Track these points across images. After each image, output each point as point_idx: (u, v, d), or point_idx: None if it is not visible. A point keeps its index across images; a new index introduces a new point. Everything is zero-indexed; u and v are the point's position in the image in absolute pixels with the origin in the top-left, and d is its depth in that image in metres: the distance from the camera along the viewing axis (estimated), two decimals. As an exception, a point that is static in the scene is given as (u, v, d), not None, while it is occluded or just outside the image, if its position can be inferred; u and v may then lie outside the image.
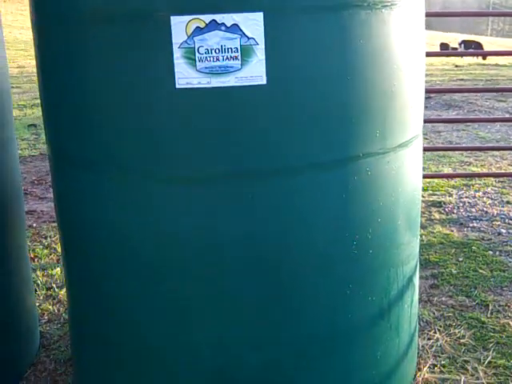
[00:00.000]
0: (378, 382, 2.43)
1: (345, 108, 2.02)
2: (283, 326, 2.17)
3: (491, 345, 2.98)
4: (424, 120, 2.60)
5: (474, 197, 5.45)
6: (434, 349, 2.96)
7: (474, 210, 5.10)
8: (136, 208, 2.11)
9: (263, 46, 1.88)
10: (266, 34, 1.87)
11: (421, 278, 3.75)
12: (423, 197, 5.47)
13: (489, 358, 2.86)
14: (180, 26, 1.87)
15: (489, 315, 3.26)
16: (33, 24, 2.31)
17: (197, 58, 1.88)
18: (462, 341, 3.01)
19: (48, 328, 3.37)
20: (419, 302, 3.41)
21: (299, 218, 2.06)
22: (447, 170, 6.45)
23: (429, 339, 3.04)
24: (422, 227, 4.65)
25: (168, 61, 1.90)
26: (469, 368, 2.79)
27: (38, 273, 4.04)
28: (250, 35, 1.87)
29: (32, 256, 4.42)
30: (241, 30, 1.87)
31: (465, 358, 2.87)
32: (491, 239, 4.37)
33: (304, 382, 2.26)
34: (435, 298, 3.47)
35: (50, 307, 3.57)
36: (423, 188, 5.72)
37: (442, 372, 2.77)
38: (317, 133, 1.99)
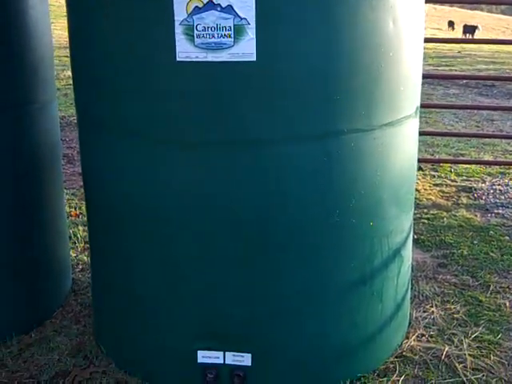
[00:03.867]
0: (358, 343, 2.63)
1: (329, 85, 2.21)
2: (264, 285, 2.40)
3: (482, 321, 3.12)
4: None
5: (507, 185, 5.50)
6: (426, 321, 3.12)
7: (503, 197, 5.16)
8: (140, 166, 2.36)
9: (254, 26, 2.08)
10: (258, 15, 2.07)
11: (431, 257, 3.90)
12: (455, 181, 5.57)
13: (476, 333, 3.00)
14: (181, 5, 2.10)
15: (488, 295, 3.39)
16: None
17: (195, 35, 2.11)
18: (455, 316, 3.17)
19: (80, 276, 3.69)
20: (424, 279, 3.58)
21: (283, 183, 2.27)
22: (488, 158, 6.49)
23: (424, 312, 3.21)
24: (447, 210, 4.77)
25: (170, 36, 2.12)
26: (455, 340, 2.95)
27: (80, 227, 4.36)
28: (242, 16, 2.08)
29: (78, 212, 4.76)
30: (234, 11, 2.08)
31: (453, 331, 3.02)
32: (511, 225, 4.46)
33: (280, 338, 2.49)
34: (440, 276, 3.62)
35: (85, 258, 3.89)
36: (458, 173, 5.80)
37: (428, 341, 2.94)
38: (301, 107, 2.19)
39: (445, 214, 4.68)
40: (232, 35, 2.09)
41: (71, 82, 2.72)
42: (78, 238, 4.19)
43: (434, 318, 3.14)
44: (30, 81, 2.83)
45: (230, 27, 2.09)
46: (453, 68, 15.08)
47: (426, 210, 4.75)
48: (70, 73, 2.66)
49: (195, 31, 2.11)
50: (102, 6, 2.29)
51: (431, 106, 8.27)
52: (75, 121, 7.09)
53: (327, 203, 2.35)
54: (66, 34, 2.61)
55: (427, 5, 3.23)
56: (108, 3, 2.27)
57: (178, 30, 2.12)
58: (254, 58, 2.11)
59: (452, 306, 3.25)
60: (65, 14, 2.57)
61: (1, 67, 2.68)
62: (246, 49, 2.11)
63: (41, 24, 2.85)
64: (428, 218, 4.58)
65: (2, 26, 2.65)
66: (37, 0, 2.81)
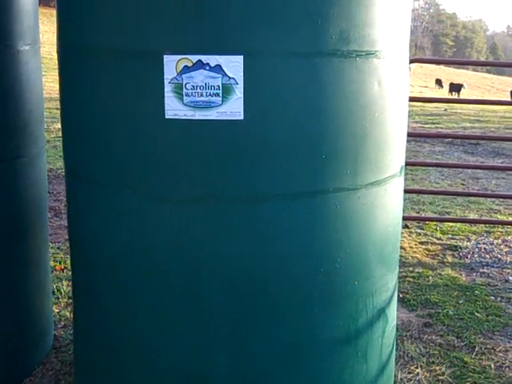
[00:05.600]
0: (342, 403, 2.59)
1: (315, 145, 2.23)
2: (251, 340, 2.38)
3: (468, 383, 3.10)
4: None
5: (492, 244, 5.54)
6: (411, 383, 3.09)
7: (488, 256, 5.19)
8: (128, 221, 2.36)
9: (242, 86, 2.12)
10: (246, 75, 2.11)
11: (417, 316, 3.89)
12: (441, 240, 5.59)
13: (462, 396, 2.98)
14: (171, 64, 2.13)
15: (473, 356, 3.38)
16: (57, 52, 2.61)
17: (184, 93, 2.14)
18: (440, 377, 3.15)
19: (62, 332, 3.64)
20: (409, 339, 3.56)
21: (267, 242, 2.27)
22: (473, 216, 6.54)
23: (409, 373, 3.18)
24: (432, 269, 4.78)
25: (159, 94, 2.15)
26: (440, 402, 2.92)
27: (64, 282, 4.32)
28: (230, 75, 2.11)
29: (62, 267, 4.73)
30: (223, 70, 2.11)
31: (439, 393, 3.00)
32: (497, 285, 4.47)
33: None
34: (425, 336, 3.60)
35: (68, 314, 3.84)
36: (443, 231, 5.83)
37: (413, 403, 2.91)
38: (287, 165, 2.21)
39: (430, 272, 4.69)
40: (220, 94, 2.12)
41: (61, 134, 2.74)
42: (61, 292, 4.15)
43: (419, 380, 3.12)
44: (19, 135, 2.85)
45: (219, 86, 2.12)
46: (439, 126, 15.32)
47: (411, 269, 4.76)
48: (59, 125, 2.67)
49: (184, 90, 2.14)
50: (92, 64, 2.32)
51: (417, 164, 8.36)
52: (63, 173, 7.10)
53: (312, 262, 2.34)
54: (57, 86, 2.64)
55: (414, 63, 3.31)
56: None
57: (168, 89, 2.15)
58: (242, 117, 2.14)
59: (437, 368, 3.23)
60: (56, 66, 2.60)
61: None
62: (233, 107, 2.13)
63: (32, 79, 2.89)
64: (413, 277, 4.58)
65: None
66: (29, 56, 2.85)
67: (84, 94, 2.39)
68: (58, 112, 2.71)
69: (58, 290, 4.16)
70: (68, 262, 4.75)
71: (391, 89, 2.43)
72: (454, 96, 34.29)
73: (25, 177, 2.96)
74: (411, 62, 2.82)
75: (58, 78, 2.63)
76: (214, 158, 2.20)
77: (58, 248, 5.09)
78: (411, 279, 4.53)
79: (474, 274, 4.72)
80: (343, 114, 2.26)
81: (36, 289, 3.23)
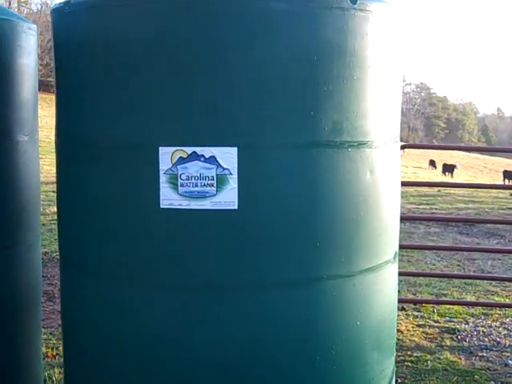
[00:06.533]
0: None
1: (309, 234, 2.26)
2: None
3: None
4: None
5: (490, 326, 5.49)
6: None
7: (486, 339, 5.14)
8: (121, 309, 2.36)
9: (236, 176, 2.16)
10: (240, 166, 2.16)
11: (416, 402, 3.82)
12: (438, 322, 5.54)
13: None
14: (166, 155, 2.18)
15: None
16: (55, 143, 2.67)
17: (179, 183, 2.18)
18: None
19: (54, 421, 3.55)
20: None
21: (263, 329, 2.26)
22: (470, 298, 6.50)
23: None
24: (430, 353, 4.72)
25: (155, 184, 2.20)
26: None
27: (56, 370, 4.25)
28: (225, 166, 2.16)
29: (54, 353, 4.66)
30: (217, 162, 2.16)
31: None
32: (497, 369, 4.41)
33: None
34: (426, 424, 3.53)
35: (59, 402, 3.76)
36: (441, 314, 5.79)
37: None
38: (281, 253, 2.23)
39: (429, 356, 4.63)
40: (215, 184, 2.17)
41: (56, 217, 2.76)
42: (52, 381, 4.08)
43: None
44: (16, 223, 2.88)
45: (213, 177, 2.17)
46: (433, 207, 15.40)
47: (409, 353, 4.70)
48: (55, 208, 2.70)
49: (179, 180, 2.18)
50: (89, 154, 2.38)
51: (413, 247, 8.37)
52: (58, 256, 7.06)
53: (308, 349, 2.33)
54: (54, 169, 2.68)
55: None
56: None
57: (163, 179, 2.20)
58: (236, 207, 2.18)
59: None
60: (53, 149, 2.65)
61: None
62: (228, 197, 2.18)
63: (30, 169, 2.95)
64: (412, 361, 4.52)
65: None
66: (28, 146, 2.92)
67: (80, 183, 2.43)
68: (55, 195, 2.75)
69: (50, 378, 4.09)
70: (60, 348, 4.69)
71: (383, 176, 2.48)
72: (448, 176, 34.66)
73: (21, 264, 2.98)
74: (403, 147, 2.88)
75: (54, 161, 2.67)
76: (210, 247, 2.22)
77: (51, 333, 5.02)
78: (409, 363, 4.47)
79: (473, 358, 4.66)
80: (337, 203, 2.30)
81: (27, 376, 3.18)
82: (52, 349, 4.68)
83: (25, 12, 46.07)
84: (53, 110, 2.70)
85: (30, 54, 2.96)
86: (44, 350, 4.51)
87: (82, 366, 2.60)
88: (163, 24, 2.18)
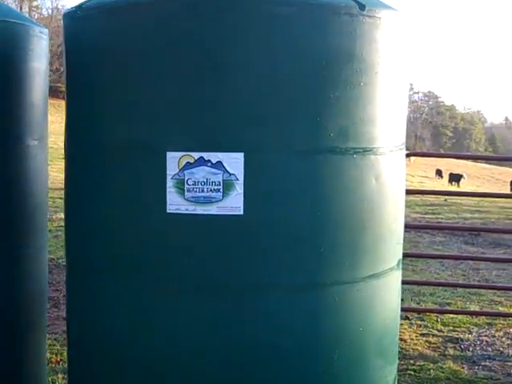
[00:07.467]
0: None
1: (314, 238, 2.29)
2: None
3: None
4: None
5: (494, 336, 5.49)
6: None
7: (490, 349, 5.14)
8: (128, 311, 2.39)
9: (242, 182, 2.20)
10: (246, 171, 2.19)
11: (418, 410, 3.83)
12: (442, 331, 5.55)
13: None
14: (174, 160, 2.22)
15: None
16: (65, 148, 2.70)
17: (185, 189, 2.22)
18: None
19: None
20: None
21: (266, 332, 2.29)
22: (474, 307, 6.50)
23: None
24: (433, 362, 4.73)
25: (162, 188, 2.23)
26: None
27: (60, 375, 4.26)
28: (231, 171, 2.19)
29: (58, 359, 4.67)
30: (224, 167, 2.20)
31: None
32: (499, 379, 4.42)
33: None
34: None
35: (63, 408, 3.78)
36: (444, 323, 5.79)
37: None
38: (286, 258, 2.26)
39: (432, 365, 4.64)
40: (221, 190, 2.20)
41: (63, 224, 2.79)
42: (56, 386, 4.10)
43: None
44: (25, 227, 2.91)
45: (220, 182, 2.20)
46: (439, 216, 15.38)
47: (412, 361, 4.71)
48: (62, 215, 2.74)
49: (186, 185, 2.22)
50: (98, 158, 2.42)
51: (418, 256, 8.37)
52: (64, 263, 7.10)
53: (311, 355, 2.36)
54: (62, 176, 2.71)
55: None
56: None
57: (170, 184, 2.23)
58: (242, 212, 2.21)
59: None
60: (62, 155, 2.68)
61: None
62: (233, 203, 2.21)
63: (39, 172, 2.98)
64: (414, 370, 4.53)
65: (2, 174, 2.77)
66: (37, 150, 2.96)
67: (89, 187, 2.46)
68: (61, 201, 2.78)
69: (53, 383, 4.11)
70: (64, 354, 4.70)
71: (388, 183, 2.50)
72: (454, 186, 34.58)
73: (30, 266, 3.01)
74: (408, 155, 2.91)
75: (62, 167, 2.71)
76: (215, 252, 2.25)
77: (55, 339, 5.03)
78: (412, 372, 4.48)
79: (476, 368, 4.66)
80: (342, 208, 2.33)
81: (32, 382, 3.20)
82: (56, 354, 4.69)
83: (35, 17, 46.28)
84: (61, 116, 2.74)
85: (42, 57, 3.00)
86: (48, 355, 4.53)
87: (88, 372, 2.63)
88: (175, 30, 2.22)
